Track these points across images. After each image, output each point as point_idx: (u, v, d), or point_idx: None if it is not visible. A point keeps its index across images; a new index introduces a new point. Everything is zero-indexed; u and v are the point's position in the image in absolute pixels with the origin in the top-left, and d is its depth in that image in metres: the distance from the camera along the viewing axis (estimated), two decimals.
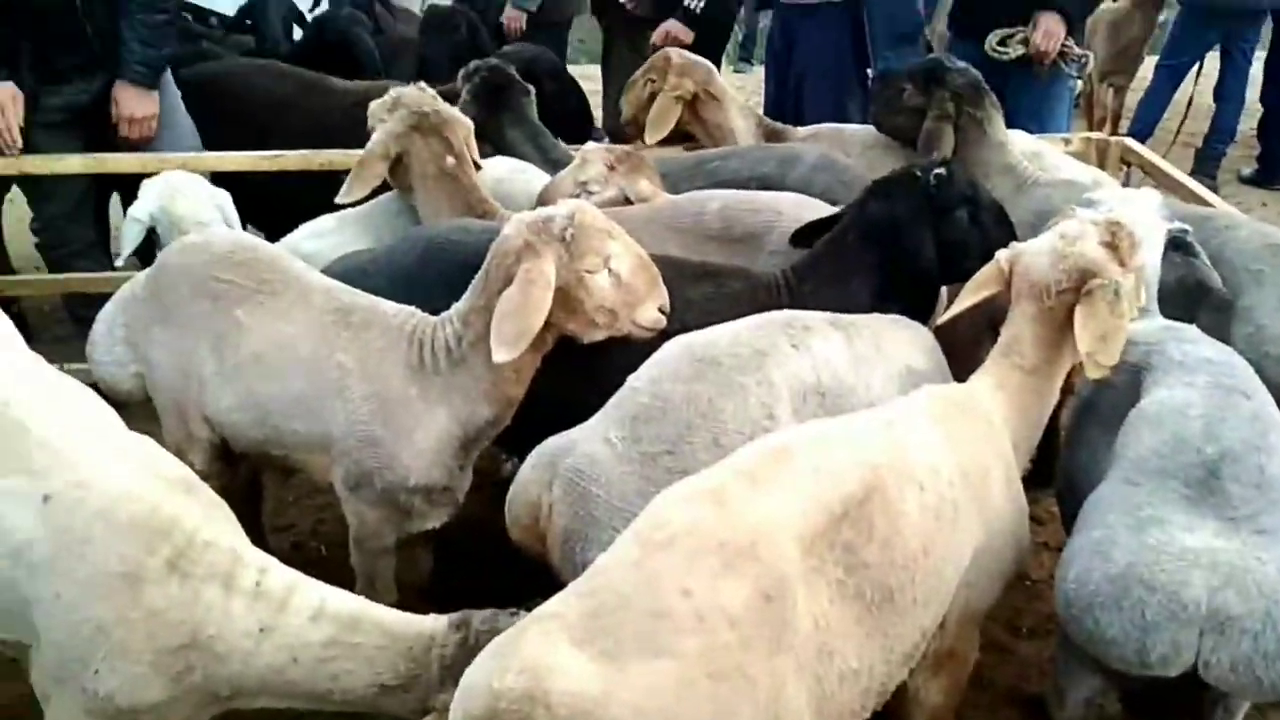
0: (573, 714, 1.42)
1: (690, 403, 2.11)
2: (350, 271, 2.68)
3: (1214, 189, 5.56)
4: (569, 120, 4.26)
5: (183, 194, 3.05)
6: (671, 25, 4.50)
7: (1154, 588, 1.72)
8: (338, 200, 3.04)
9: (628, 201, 2.99)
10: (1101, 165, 4.02)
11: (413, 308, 2.42)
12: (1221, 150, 7.15)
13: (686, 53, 3.98)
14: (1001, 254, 2.27)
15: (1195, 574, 1.71)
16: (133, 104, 3.80)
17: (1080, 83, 6.01)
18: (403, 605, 2.45)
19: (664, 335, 2.32)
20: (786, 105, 4.25)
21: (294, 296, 2.42)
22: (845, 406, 2.20)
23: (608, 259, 2.25)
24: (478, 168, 3.13)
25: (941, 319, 2.45)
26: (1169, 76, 7.17)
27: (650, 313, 2.31)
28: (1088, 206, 2.53)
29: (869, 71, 4.14)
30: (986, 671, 2.77)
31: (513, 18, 5.60)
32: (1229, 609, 1.69)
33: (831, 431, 1.87)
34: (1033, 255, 2.20)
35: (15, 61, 3.74)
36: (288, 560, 3.41)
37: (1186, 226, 2.56)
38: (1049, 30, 4.25)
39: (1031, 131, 3.85)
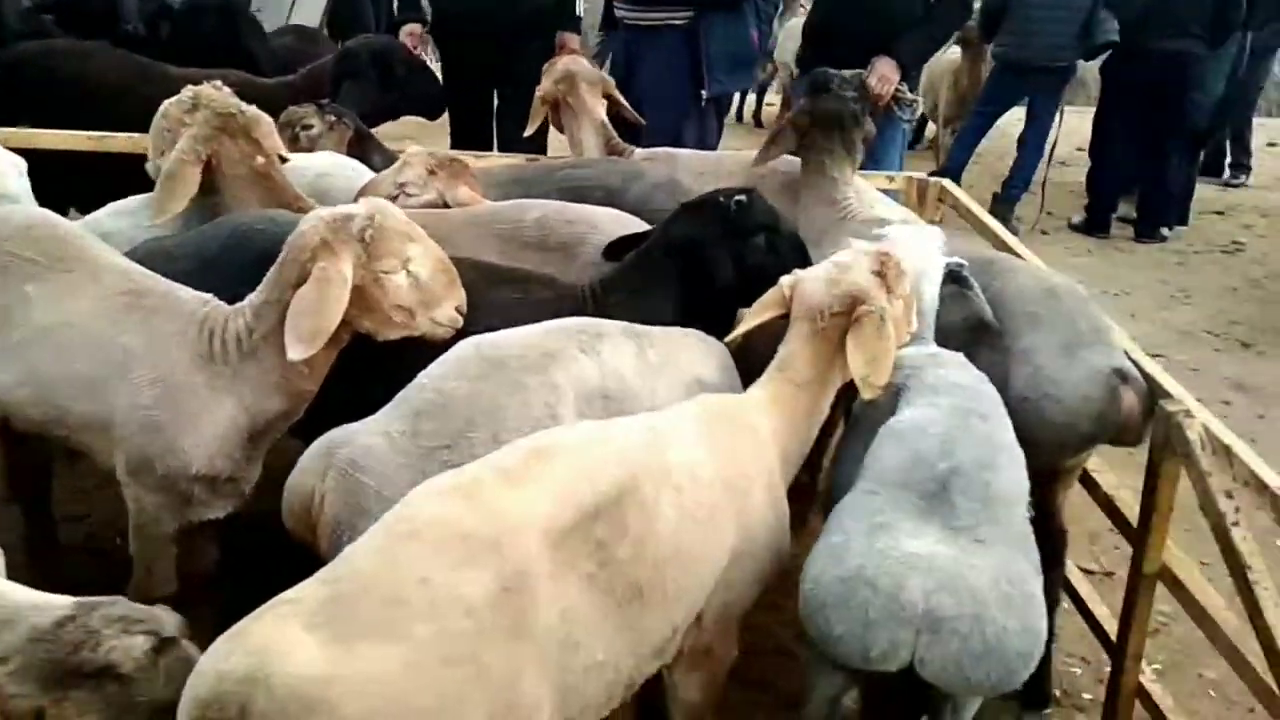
0: (293, 695, 1.44)
1: (472, 400, 2.16)
2: (155, 255, 2.64)
3: (1014, 231, 6.08)
4: (423, 101, 4.63)
5: None
6: (562, 34, 4.67)
7: (877, 588, 1.84)
8: (153, 223, 2.87)
9: (446, 206, 3.03)
10: (921, 202, 4.25)
11: (209, 295, 2.39)
12: (1017, 195, 7.80)
13: (577, 60, 4.11)
14: (784, 279, 2.40)
15: (914, 577, 1.84)
16: None
17: (911, 124, 6.41)
18: (184, 597, 2.44)
19: (464, 335, 2.36)
20: (625, 124, 4.36)
21: (87, 275, 2.37)
22: (630, 411, 2.27)
23: (406, 260, 2.27)
24: (283, 160, 3.08)
25: (730, 336, 2.57)
26: (979, 122, 7.88)
27: (447, 312, 2.34)
28: (876, 240, 2.69)
29: (703, 94, 4.29)
30: (770, 675, 2.92)
31: None
32: (941, 610, 1.81)
33: (595, 433, 1.94)
34: (810, 280, 2.34)
35: None
36: (80, 550, 3.31)
37: (963, 261, 2.71)
38: (883, 75, 4.49)
39: (865, 169, 4.03)
